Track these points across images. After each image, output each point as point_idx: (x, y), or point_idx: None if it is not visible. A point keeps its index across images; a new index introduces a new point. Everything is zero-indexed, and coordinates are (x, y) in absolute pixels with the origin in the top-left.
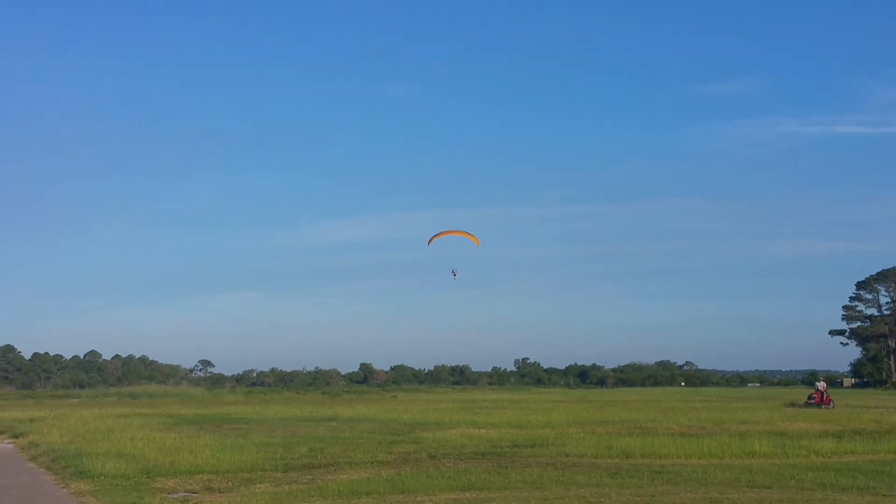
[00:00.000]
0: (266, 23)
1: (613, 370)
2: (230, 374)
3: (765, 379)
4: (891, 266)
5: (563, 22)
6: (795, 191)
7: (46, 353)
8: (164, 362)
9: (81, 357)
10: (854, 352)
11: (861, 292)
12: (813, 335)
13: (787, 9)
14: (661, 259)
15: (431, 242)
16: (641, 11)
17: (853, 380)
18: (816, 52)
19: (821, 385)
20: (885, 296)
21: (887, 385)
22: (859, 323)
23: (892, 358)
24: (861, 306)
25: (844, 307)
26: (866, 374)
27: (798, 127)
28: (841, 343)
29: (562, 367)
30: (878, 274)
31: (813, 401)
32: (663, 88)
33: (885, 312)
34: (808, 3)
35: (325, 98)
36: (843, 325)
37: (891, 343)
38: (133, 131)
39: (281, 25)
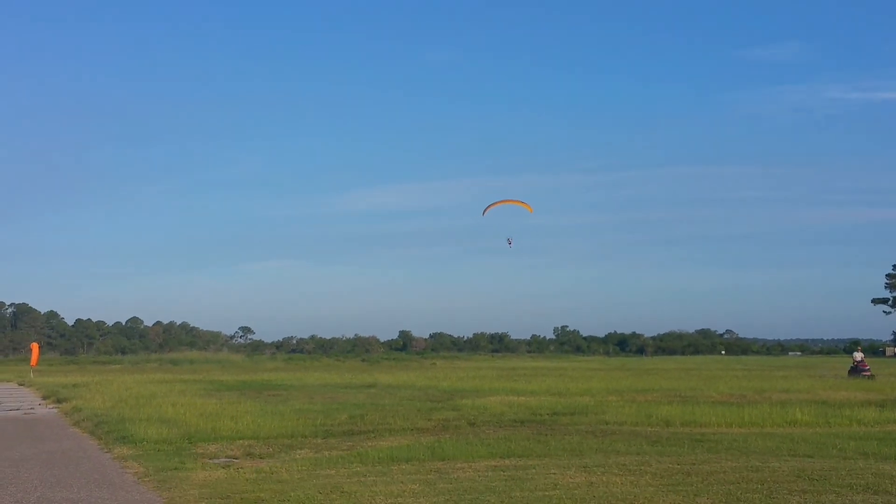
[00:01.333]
0: None
1: (653, 338)
2: (270, 341)
3: (806, 348)
4: None
5: None
6: (838, 157)
7: (89, 320)
8: (205, 329)
9: (123, 323)
10: None
11: None
12: (855, 303)
13: None
14: (702, 226)
15: (486, 212)
16: None
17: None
18: (860, 18)
19: (857, 356)
20: None
21: None
22: None
23: None
24: None
25: (887, 275)
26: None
27: (842, 93)
28: (884, 311)
29: (601, 335)
30: None
31: (864, 372)
32: (707, 53)
33: None
34: None
35: (367, 64)
36: (886, 294)
37: None
38: (177, 97)
39: None
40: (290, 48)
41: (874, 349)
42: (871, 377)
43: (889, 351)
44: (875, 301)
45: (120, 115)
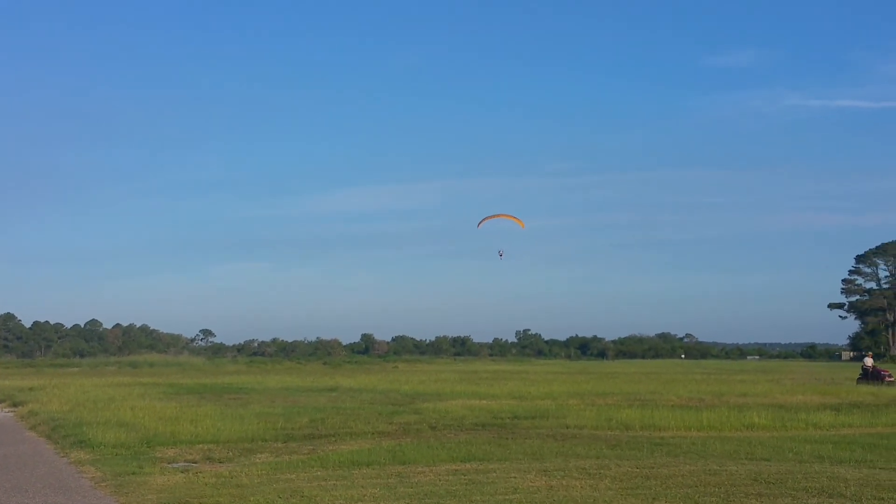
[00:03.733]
0: None
1: (614, 342)
2: (231, 344)
3: (764, 352)
4: (890, 240)
5: None
6: (797, 164)
7: (47, 322)
8: (165, 331)
9: (82, 326)
10: (853, 325)
11: (860, 266)
12: (812, 308)
13: None
14: (663, 230)
15: (481, 225)
16: None
17: (851, 353)
18: (818, 26)
19: (868, 361)
20: (884, 269)
21: (885, 358)
22: (858, 296)
23: (890, 331)
24: (860, 280)
25: (843, 281)
26: (864, 348)
27: (800, 100)
28: (840, 316)
29: (563, 338)
30: (877, 248)
31: (879, 378)
32: (674, 59)
33: (884, 286)
34: None
35: (332, 66)
36: (843, 299)
37: (889, 317)
38: (137, 99)
39: None
40: (257, 51)
41: (830, 354)
42: (894, 383)
43: (845, 356)
44: (832, 306)
45: (80, 116)
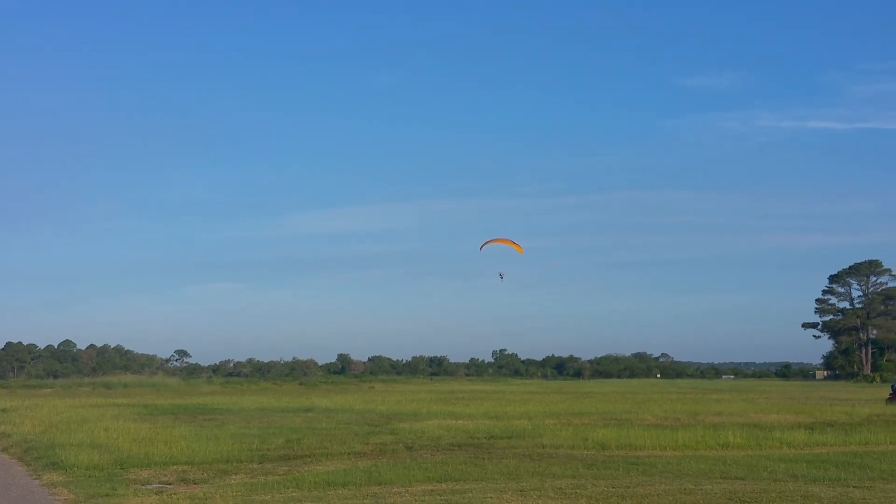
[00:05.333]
0: (252, 12)
1: (590, 362)
2: (207, 365)
3: (739, 371)
4: (863, 260)
5: (548, 14)
6: (771, 185)
7: (20, 343)
8: (140, 352)
9: (55, 346)
10: (826, 344)
11: (834, 286)
12: (786, 328)
13: (764, 5)
14: (638, 251)
15: (483, 248)
16: (626, 5)
17: (826, 372)
18: (791, 48)
19: None
20: (857, 289)
21: (859, 378)
22: (832, 316)
23: (863, 351)
24: (833, 300)
25: (817, 300)
26: (838, 367)
27: (774, 121)
28: (814, 336)
29: (539, 358)
30: (850, 268)
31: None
32: (644, 81)
33: (857, 306)
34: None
35: (309, 88)
36: (816, 319)
37: (862, 336)
38: (113, 121)
39: (267, 14)
40: (234, 72)
41: (805, 373)
42: None
43: (819, 375)
44: (805, 326)
45: (56, 137)
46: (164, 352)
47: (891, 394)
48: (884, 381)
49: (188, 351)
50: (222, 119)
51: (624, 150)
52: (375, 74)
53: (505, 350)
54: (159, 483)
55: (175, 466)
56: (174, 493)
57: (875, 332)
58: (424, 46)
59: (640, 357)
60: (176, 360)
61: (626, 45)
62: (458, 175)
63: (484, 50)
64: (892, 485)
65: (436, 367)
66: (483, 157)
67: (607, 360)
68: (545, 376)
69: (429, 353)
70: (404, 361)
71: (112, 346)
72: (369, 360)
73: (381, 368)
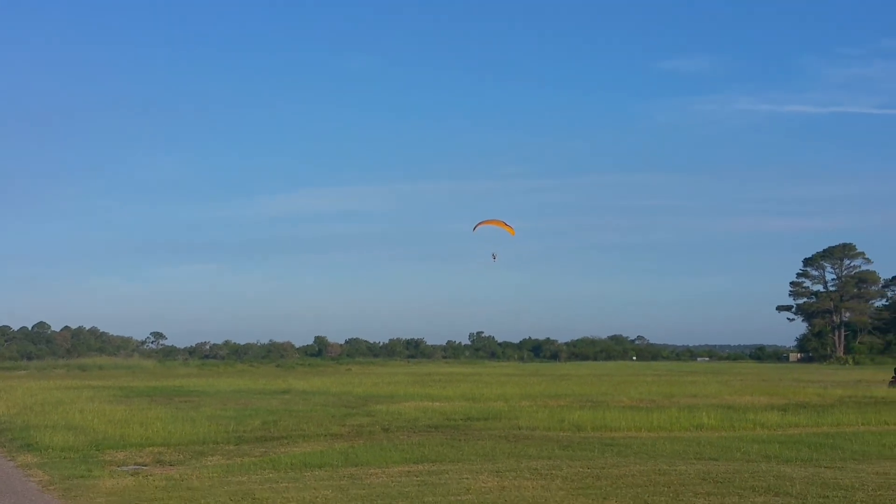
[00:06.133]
0: None
1: (567, 344)
2: (183, 347)
3: (714, 353)
4: (837, 243)
5: None
6: (746, 168)
7: None
8: (115, 334)
9: (29, 328)
10: (800, 327)
11: (808, 269)
12: (761, 311)
13: None
14: (614, 234)
15: (476, 229)
16: None
17: (799, 354)
18: (767, 32)
19: None
20: (831, 272)
21: (832, 360)
22: (805, 299)
23: (836, 333)
24: (807, 283)
25: (791, 283)
26: (811, 349)
27: (751, 105)
28: (788, 318)
29: (516, 341)
30: (824, 251)
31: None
32: (621, 64)
33: (831, 289)
34: None
35: (283, 69)
36: (790, 301)
37: (835, 318)
38: (91, 98)
39: None
40: (207, 53)
41: (778, 355)
42: None
43: (793, 357)
44: (780, 308)
45: (28, 117)
46: (139, 334)
47: (893, 377)
48: (856, 363)
49: (164, 333)
50: (196, 100)
51: (600, 133)
52: (350, 56)
53: (482, 332)
54: (135, 464)
55: (151, 448)
56: (150, 475)
57: (848, 314)
58: (400, 29)
59: (616, 340)
60: (152, 342)
61: (602, 28)
62: (435, 157)
63: (459, 33)
64: (862, 465)
65: (413, 350)
66: (459, 139)
67: (583, 342)
68: (522, 359)
69: (406, 335)
70: (381, 344)
71: (87, 328)
72: (346, 342)
73: (357, 351)
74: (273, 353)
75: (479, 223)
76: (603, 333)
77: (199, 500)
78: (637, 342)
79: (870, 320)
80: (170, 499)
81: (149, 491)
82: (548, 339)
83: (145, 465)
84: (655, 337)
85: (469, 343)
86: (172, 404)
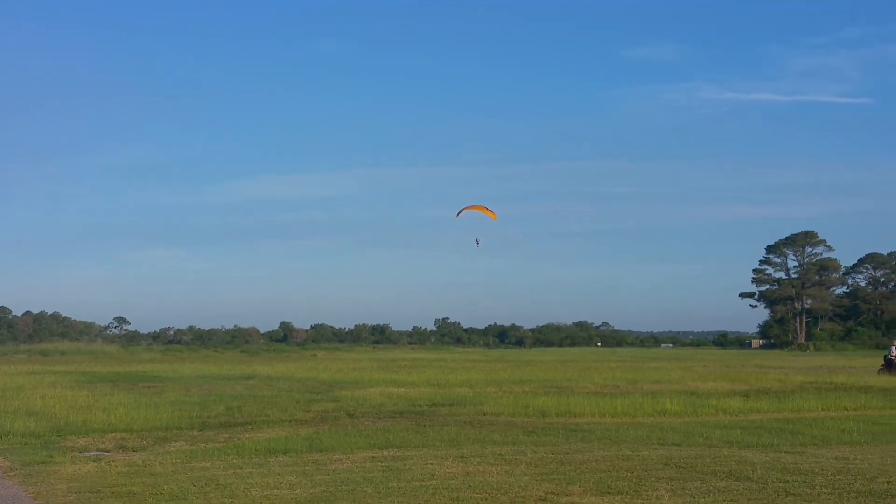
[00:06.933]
0: None
1: (532, 330)
2: (146, 332)
3: (677, 340)
4: (799, 231)
5: None
6: (711, 156)
7: None
8: (78, 319)
9: None
10: (762, 314)
11: (770, 256)
12: (724, 298)
13: None
14: (580, 220)
15: (459, 215)
16: None
17: (761, 341)
18: (733, 20)
19: (893, 351)
20: (793, 260)
21: (793, 346)
22: (768, 286)
23: (798, 320)
24: (770, 270)
25: (754, 271)
26: (773, 336)
27: (715, 93)
28: (750, 305)
29: (481, 327)
30: (786, 238)
31: (893, 370)
32: (588, 51)
33: (793, 276)
34: None
35: (251, 54)
36: (753, 288)
37: (797, 305)
38: (57, 81)
39: None
40: (175, 37)
41: (741, 342)
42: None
43: (755, 343)
44: (742, 295)
45: None
46: (102, 319)
47: (883, 364)
48: (817, 349)
49: (127, 318)
50: (163, 85)
51: (568, 120)
52: (319, 41)
53: (447, 319)
54: (97, 450)
55: (113, 434)
56: (112, 461)
57: (809, 301)
58: (369, 14)
59: (581, 326)
60: (115, 328)
61: (570, 15)
62: (402, 143)
63: (429, 19)
64: (822, 450)
65: (378, 336)
66: (427, 125)
67: (549, 328)
68: (487, 345)
69: (371, 321)
70: (347, 329)
71: (49, 313)
72: (312, 328)
73: (323, 336)
74: (238, 339)
75: (462, 209)
76: (568, 320)
77: (162, 486)
78: (602, 328)
79: (831, 307)
80: (132, 485)
81: (111, 477)
82: (513, 325)
83: (107, 451)
84: (620, 323)
85: (435, 329)
86: (136, 390)
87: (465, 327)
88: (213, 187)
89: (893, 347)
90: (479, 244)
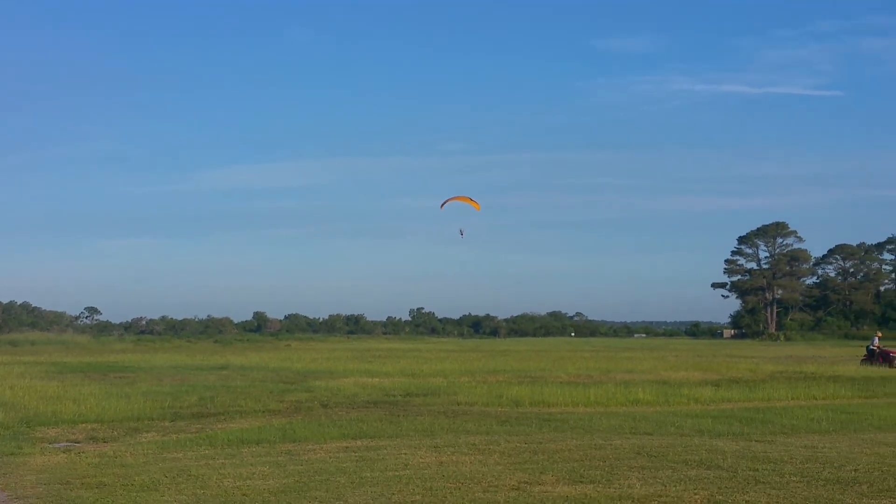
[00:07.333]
0: None
1: (506, 320)
2: (118, 322)
3: (650, 330)
4: (770, 222)
5: None
6: (684, 147)
7: None
8: (48, 309)
9: None
10: (734, 304)
11: (742, 247)
12: (696, 288)
13: None
14: (555, 211)
15: (444, 206)
16: None
17: (733, 331)
18: (706, 13)
19: (876, 341)
20: (765, 250)
21: (764, 336)
22: (739, 276)
23: (769, 310)
24: (742, 260)
25: (726, 261)
26: (745, 326)
27: (689, 85)
28: (722, 296)
29: (456, 317)
30: (758, 229)
31: (888, 361)
32: (561, 42)
33: (764, 266)
34: None
35: (221, 41)
36: (725, 279)
37: (768, 296)
38: (25, 69)
39: None
40: (147, 23)
41: (713, 332)
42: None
43: (727, 333)
44: (714, 286)
45: None
46: (73, 309)
47: (865, 355)
48: (787, 339)
49: (99, 308)
50: (133, 72)
51: (543, 110)
52: (288, 29)
53: (422, 308)
54: (67, 441)
55: (84, 424)
56: (82, 452)
57: (780, 292)
58: (340, 1)
59: (555, 316)
60: (86, 318)
61: (543, 5)
62: (377, 132)
63: (401, 7)
64: (791, 438)
65: (353, 326)
66: (402, 115)
67: (523, 318)
68: (462, 335)
69: (346, 311)
70: (321, 319)
71: (18, 303)
72: (285, 318)
73: (297, 326)
74: (211, 329)
75: (446, 200)
76: (542, 310)
77: (133, 477)
78: (575, 318)
79: (801, 297)
80: (103, 475)
81: (81, 468)
82: (487, 315)
83: (78, 442)
84: (594, 313)
85: (409, 319)
86: (107, 380)
87: (439, 317)
88: (188, 176)
89: (876, 338)
90: (464, 235)
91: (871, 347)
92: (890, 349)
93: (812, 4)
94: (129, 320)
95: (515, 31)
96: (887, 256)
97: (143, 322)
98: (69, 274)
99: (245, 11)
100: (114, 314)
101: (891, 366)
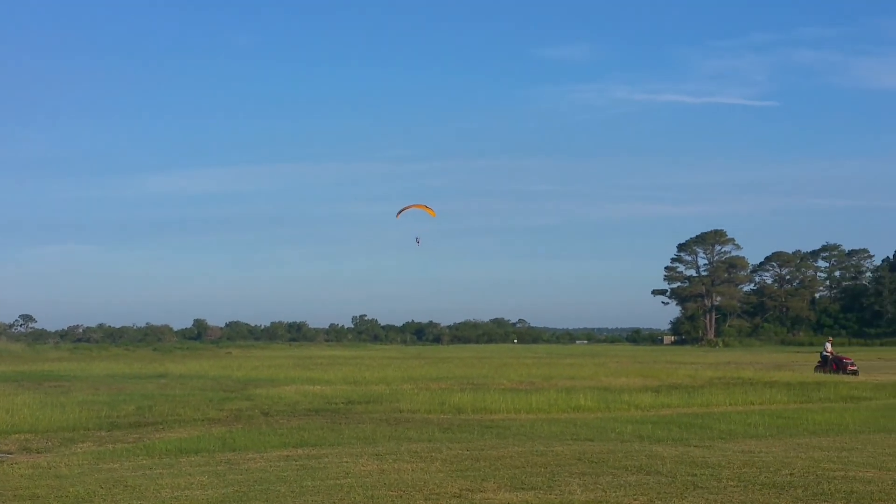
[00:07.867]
0: None
1: (449, 327)
2: (54, 330)
3: (592, 336)
4: (709, 229)
5: None
6: (624, 155)
7: None
8: None
9: None
10: (674, 311)
11: (681, 254)
12: (637, 295)
13: None
14: (496, 217)
15: (399, 215)
16: None
17: (673, 337)
18: (644, 22)
19: (828, 347)
20: (703, 258)
21: (703, 342)
22: (679, 283)
23: (707, 317)
24: (681, 267)
25: (666, 268)
26: (684, 332)
27: (628, 94)
28: (662, 302)
29: (399, 324)
30: (697, 237)
31: (841, 367)
32: (503, 50)
33: (703, 273)
34: None
35: (166, 46)
36: (665, 286)
37: (707, 302)
38: None
39: None
40: (88, 25)
41: (654, 338)
42: (856, 372)
43: (667, 340)
44: (655, 292)
45: None
46: (7, 316)
47: (819, 361)
48: (726, 345)
49: (33, 315)
50: (73, 73)
51: (484, 117)
52: (234, 34)
53: (365, 316)
54: (0, 452)
55: (17, 435)
56: (15, 463)
57: (719, 298)
58: (285, 8)
59: (498, 323)
60: (20, 325)
61: (484, 14)
62: (320, 138)
63: (345, 16)
64: (729, 444)
65: (295, 333)
66: (345, 121)
67: (466, 325)
68: (405, 342)
69: (288, 318)
70: (263, 327)
71: None
72: (226, 325)
73: (238, 334)
74: (150, 337)
75: (402, 209)
76: (485, 317)
77: (68, 489)
78: (518, 325)
79: (739, 304)
80: (36, 487)
81: (14, 479)
82: (430, 322)
83: (10, 453)
84: (536, 320)
85: (352, 326)
86: (41, 389)
87: (382, 324)
88: (126, 181)
89: (828, 344)
90: (420, 243)
91: (825, 354)
92: (843, 356)
93: (748, 16)
94: (66, 328)
95: (457, 40)
96: (822, 264)
97: (80, 330)
98: (2, 281)
99: (189, 16)
100: (49, 322)
101: (844, 372)
